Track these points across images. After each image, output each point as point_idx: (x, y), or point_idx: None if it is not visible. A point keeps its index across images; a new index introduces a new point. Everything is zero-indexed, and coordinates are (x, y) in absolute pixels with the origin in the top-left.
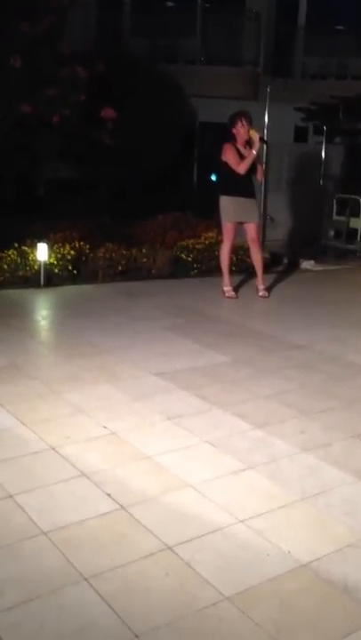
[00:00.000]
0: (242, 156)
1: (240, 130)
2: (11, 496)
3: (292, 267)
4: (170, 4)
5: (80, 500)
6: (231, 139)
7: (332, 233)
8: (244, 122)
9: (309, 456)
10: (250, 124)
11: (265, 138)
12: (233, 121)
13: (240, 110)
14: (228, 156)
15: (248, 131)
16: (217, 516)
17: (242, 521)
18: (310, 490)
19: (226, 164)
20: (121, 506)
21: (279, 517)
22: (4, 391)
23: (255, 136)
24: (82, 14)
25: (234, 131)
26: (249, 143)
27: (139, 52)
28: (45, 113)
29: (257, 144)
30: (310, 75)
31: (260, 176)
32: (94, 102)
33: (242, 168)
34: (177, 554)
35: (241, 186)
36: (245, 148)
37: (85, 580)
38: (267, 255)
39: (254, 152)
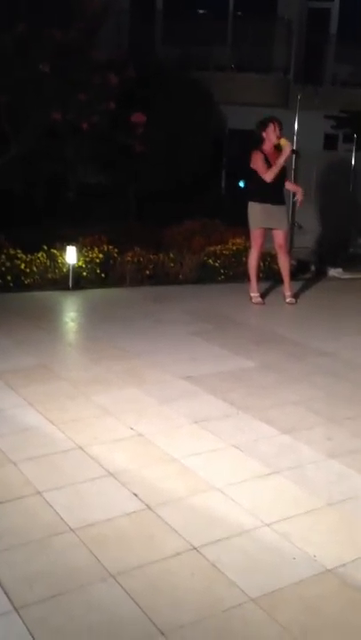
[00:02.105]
0: (270, 164)
1: (270, 134)
2: (39, 493)
3: (320, 274)
4: (201, 11)
5: (107, 498)
6: (259, 143)
7: (360, 240)
8: (273, 126)
9: (336, 462)
10: (281, 131)
11: (295, 148)
12: (265, 124)
13: (272, 115)
14: (257, 163)
15: (278, 137)
16: (243, 518)
17: (268, 524)
18: (337, 496)
19: (255, 171)
20: (147, 506)
21: (305, 522)
22: (34, 391)
23: (287, 146)
24: (114, 22)
25: (264, 134)
26: (278, 148)
27: (170, 59)
28: (76, 119)
29: (286, 154)
30: (341, 82)
31: (290, 187)
32: (125, 109)
33: (269, 176)
34: (203, 554)
35: (271, 193)
36: (273, 152)
37: (112, 576)
38: (294, 262)
39: (282, 160)
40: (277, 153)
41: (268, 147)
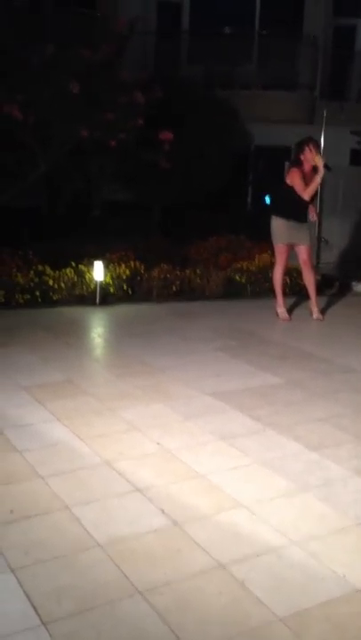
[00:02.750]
0: (307, 182)
1: (308, 155)
2: (67, 507)
3: (345, 289)
4: (227, 30)
5: (134, 514)
6: (298, 164)
7: None
8: (312, 148)
9: None
10: (317, 150)
11: (325, 162)
12: (301, 147)
13: (308, 136)
14: (295, 180)
15: (315, 157)
16: (270, 536)
17: (295, 543)
18: None
19: (291, 187)
20: (174, 522)
21: (334, 541)
22: (61, 406)
23: (320, 162)
24: (141, 42)
25: (301, 157)
26: (315, 169)
27: (195, 77)
28: (103, 137)
29: (321, 171)
30: None
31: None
32: (151, 127)
33: (307, 194)
34: (230, 572)
35: (296, 210)
36: (310, 172)
37: (140, 593)
38: (319, 277)
39: (319, 179)
40: (313, 173)
41: (306, 168)
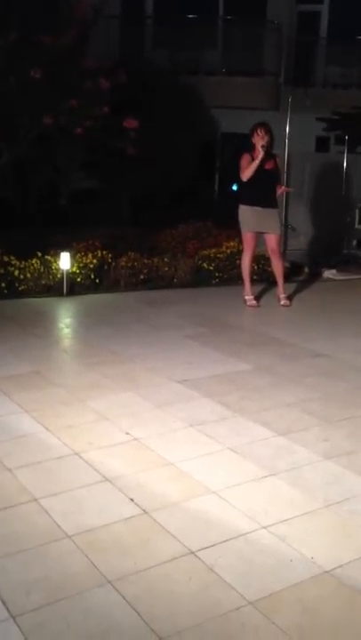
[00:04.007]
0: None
1: (256, 138)
2: (36, 499)
3: (314, 276)
4: (191, 16)
5: (103, 504)
6: (251, 149)
7: (354, 242)
8: (260, 132)
9: (332, 464)
10: (267, 133)
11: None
12: (251, 131)
13: (260, 121)
14: (241, 163)
15: (266, 141)
16: (240, 521)
17: (265, 527)
18: (333, 497)
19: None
20: (144, 511)
21: (302, 524)
22: (29, 398)
23: (259, 144)
24: (105, 28)
25: (253, 140)
26: (270, 155)
27: (161, 64)
28: (68, 125)
29: (260, 152)
30: (332, 84)
31: (279, 190)
32: (117, 113)
33: (244, 176)
34: (200, 558)
35: (260, 195)
36: (266, 157)
37: (110, 582)
38: (288, 264)
39: (256, 161)
40: (268, 157)
41: (257, 152)
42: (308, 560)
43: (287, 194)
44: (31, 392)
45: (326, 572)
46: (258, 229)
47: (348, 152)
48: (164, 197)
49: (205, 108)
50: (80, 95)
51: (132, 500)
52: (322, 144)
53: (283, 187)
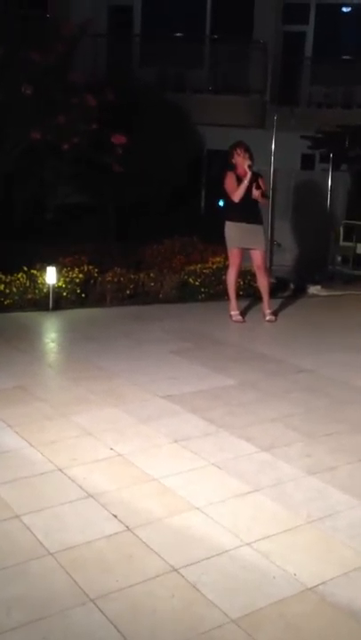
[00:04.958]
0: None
1: (237, 159)
2: (18, 516)
3: (299, 292)
4: (178, 34)
5: (86, 521)
6: (232, 168)
7: (339, 259)
8: (239, 151)
9: (315, 479)
10: (246, 152)
11: (256, 169)
12: (230, 151)
13: (237, 141)
14: (227, 183)
15: (247, 161)
16: (223, 538)
17: (248, 543)
18: (316, 513)
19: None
20: (127, 527)
21: (285, 540)
22: (13, 413)
23: (245, 165)
24: (92, 44)
25: (233, 160)
26: (256, 174)
27: (148, 81)
28: (55, 140)
29: (248, 173)
30: (317, 103)
31: (261, 201)
32: (104, 129)
33: (236, 196)
34: (183, 576)
35: (245, 212)
36: (245, 174)
37: (92, 600)
38: (273, 280)
39: (245, 182)
40: (254, 176)
41: (240, 170)
42: (291, 577)
43: (272, 210)
44: (15, 407)
45: (309, 588)
46: (243, 245)
47: (332, 170)
48: (150, 213)
49: (192, 125)
50: (68, 111)
51: (115, 516)
52: (307, 161)
53: (260, 194)
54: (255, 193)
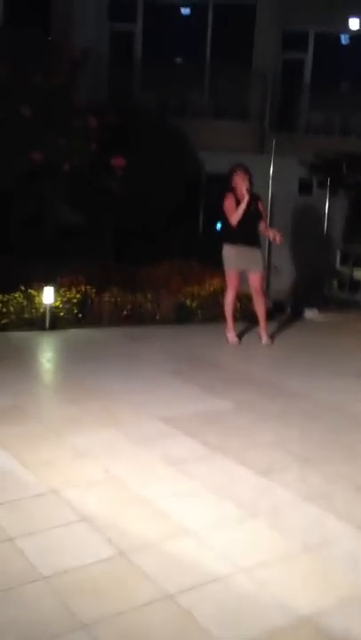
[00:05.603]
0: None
1: (237, 182)
2: (11, 539)
3: (296, 316)
4: (179, 60)
5: (80, 544)
6: (232, 190)
7: (335, 283)
8: (239, 173)
9: (311, 505)
10: (246, 174)
11: (254, 190)
12: (229, 174)
13: (236, 163)
14: (225, 206)
15: (247, 184)
16: (218, 564)
17: (243, 570)
18: (312, 540)
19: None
20: (121, 552)
21: (281, 568)
22: (7, 433)
23: (243, 188)
24: (94, 68)
25: (232, 184)
26: (255, 197)
27: (148, 105)
28: (56, 161)
29: (245, 198)
30: (314, 130)
31: (263, 228)
32: (104, 152)
33: (234, 219)
34: (177, 602)
35: (243, 235)
36: (244, 199)
37: (85, 627)
38: (270, 304)
39: (243, 205)
40: (253, 199)
41: (239, 193)
42: (286, 605)
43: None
44: (10, 427)
45: (304, 618)
46: (241, 267)
47: (329, 195)
48: (148, 235)
49: (191, 149)
50: (68, 133)
51: (109, 540)
52: (305, 186)
53: (274, 232)
54: (270, 234)
